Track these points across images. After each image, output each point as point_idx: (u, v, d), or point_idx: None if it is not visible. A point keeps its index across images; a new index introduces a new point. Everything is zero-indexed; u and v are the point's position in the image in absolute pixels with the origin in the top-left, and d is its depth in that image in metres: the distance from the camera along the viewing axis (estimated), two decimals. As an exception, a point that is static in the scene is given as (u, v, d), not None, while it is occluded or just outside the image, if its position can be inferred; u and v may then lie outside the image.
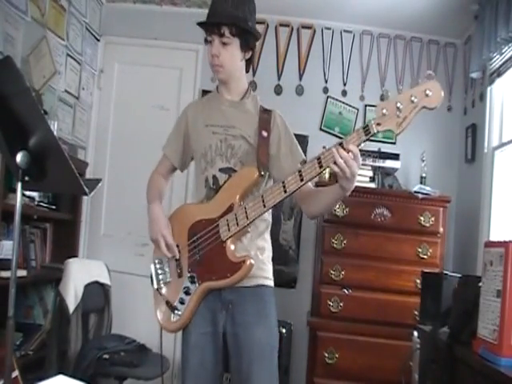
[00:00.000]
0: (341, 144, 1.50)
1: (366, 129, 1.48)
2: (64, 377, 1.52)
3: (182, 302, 1.79)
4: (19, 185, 1.69)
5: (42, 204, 2.97)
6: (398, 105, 1.46)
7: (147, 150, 3.81)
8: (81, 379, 1.50)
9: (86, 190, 1.75)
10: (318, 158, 1.54)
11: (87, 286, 2.88)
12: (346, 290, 3.17)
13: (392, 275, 3.13)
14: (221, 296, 1.78)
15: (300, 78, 3.79)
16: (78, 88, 3.55)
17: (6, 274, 2.33)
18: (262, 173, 1.77)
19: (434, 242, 3.17)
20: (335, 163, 1.49)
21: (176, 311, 1.79)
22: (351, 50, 3.81)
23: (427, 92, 1.44)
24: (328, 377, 3.09)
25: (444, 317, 2.04)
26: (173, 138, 2.01)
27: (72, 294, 2.75)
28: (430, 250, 3.15)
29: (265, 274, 1.83)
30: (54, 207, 3.12)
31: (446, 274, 2.30)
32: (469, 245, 3.28)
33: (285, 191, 1.61)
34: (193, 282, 1.77)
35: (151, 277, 1.88)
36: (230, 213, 1.72)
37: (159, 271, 1.86)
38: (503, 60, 3.02)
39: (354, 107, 3.77)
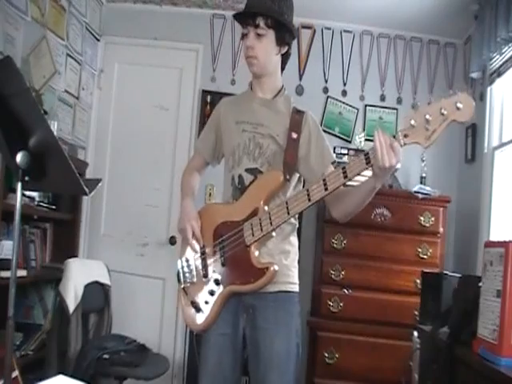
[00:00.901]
0: (366, 155, 1.48)
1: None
2: (64, 377, 1.52)
3: (206, 303, 1.78)
4: (19, 185, 1.69)
5: (42, 204, 2.97)
6: (427, 117, 1.41)
7: (147, 150, 3.85)
8: (81, 379, 1.51)
9: (86, 190, 1.75)
10: (343, 168, 1.52)
11: (87, 286, 2.88)
12: (346, 290, 3.17)
13: (392, 275, 3.13)
14: (242, 299, 1.77)
15: (300, 78, 3.79)
16: (78, 88, 3.55)
17: (5, 274, 2.33)
18: (288, 177, 1.74)
19: (434, 242, 3.17)
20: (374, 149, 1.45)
21: (201, 311, 1.79)
22: (351, 50, 3.81)
23: (458, 105, 1.40)
24: (328, 377, 3.09)
25: (444, 317, 2.04)
26: (205, 133, 2.01)
27: (72, 294, 2.75)
28: (430, 250, 3.15)
29: (289, 279, 1.80)
30: (54, 207, 3.12)
31: (445, 274, 2.30)
32: (469, 245, 3.28)
33: (309, 200, 1.60)
34: (217, 284, 1.77)
35: (178, 275, 1.87)
36: (255, 217, 1.71)
37: (185, 269, 1.85)
38: (503, 60, 3.02)
39: (354, 107, 3.77)
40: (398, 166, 1.48)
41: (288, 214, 1.64)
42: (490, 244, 1.71)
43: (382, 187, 3.54)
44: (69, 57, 3.38)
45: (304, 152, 1.79)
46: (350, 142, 3.70)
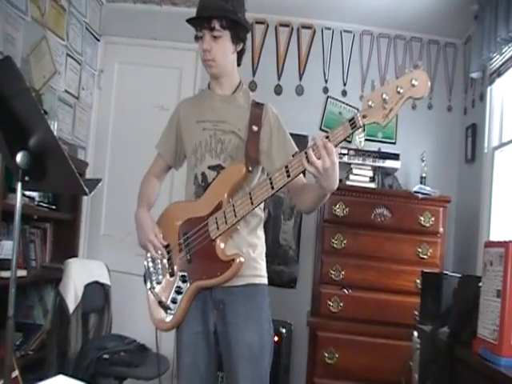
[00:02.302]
0: (327, 137, 1.46)
1: (352, 122, 1.45)
2: (64, 377, 1.51)
3: (174, 302, 1.79)
4: (19, 185, 1.69)
5: (42, 204, 2.97)
6: (384, 96, 1.43)
7: (147, 150, 3.80)
8: (81, 379, 1.50)
9: (86, 190, 1.76)
10: (306, 153, 1.49)
11: (87, 286, 2.88)
12: (346, 290, 3.17)
13: (392, 275, 3.13)
14: (211, 295, 1.78)
15: (300, 78, 3.79)
16: (78, 88, 3.55)
17: (5, 273, 2.33)
18: (250, 168, 1.75)
19: (434, 242, 3.17)
20: (309, 161, 1.44)
21: (169, 310, 1.79)
22: (351, 50, 3.81)
23: (413, 82, 1.42)
24: (328, 377, 3.09)
25: (444, 317, 2.04)
26: (165, 136, 2.02)
27: (72, 294, 2.75)
28: (430, 250, 3.15)
29: (257, 272, 1.81)
30: (54, 207, 3.12)
31: (445, 274, 2.30)
32: (469, 245, 3.28)
33: (272, 187, 1.59)
34: (184, 281, 1.78)
35: (144, 276, 1.89)
36: (219, 211, 1.71)
37: (152, 270, 1.86)
38: (503, 60, 3.01)
39: (353, 107, 3.76)
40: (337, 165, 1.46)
41: (252, 203, 1.64)
42: (490, 244, 1.71)
43: (381, 187, 3.54)
44: (69, 57, 3.38)
45: (266, 146, 1.80)
46: (349, 142, 3.70)
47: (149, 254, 1.88)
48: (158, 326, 1.84)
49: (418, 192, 3.19)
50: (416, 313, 2.77)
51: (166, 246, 1.83)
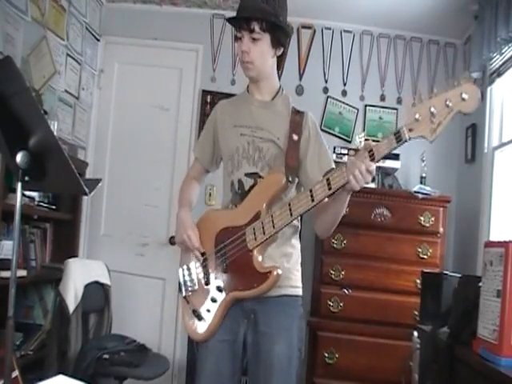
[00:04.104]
0: (370, 151, 1.44)
1: (398, 135, 1.40)
2: (64, 377, 1.52)
3: (208, 311, 1.75)
4: (19, 185, 1.69)
5: (42, 204, 2.97)
6: (432, 109, 1.37)
7: (147, 150, 3.84)
8: (81, 379, 1.50)
9: (86, 190, 1.75)
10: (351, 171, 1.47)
11: (87, 286, 2.88)
12: (346, 290, 3.17)
13: (392, 275, 3.13)
14: (243, 305, 1.74)
15: (300, 78, 3.79)
16: (78, 88, 3.55)
17: (6, 273, 2.33)
18: (290, 179, 1.71)
19: (434, 242, 3.17)
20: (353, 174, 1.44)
21: (203, 320, 1.75)
22: (351, 50, 3.81)
23: (463, 96, 1.35)
24: (328, 377, 3.09)
25: (444, 317, 2.03)
26: (202, 139, 1.97)
27: (72, 294, 2.75)
28: (430, 250, 3.14)
29: (291, 282, 1.77)
30: (54, 207, 3.12)
31: (445, 274, 2.30)
32: (469, 245, 3.28)
33: (312, 200, 1.57)
34: (220, 291, 1.74)
35: (179, 284, 1.84)
36: (257, 221, 1.67)
37: (187, 278, 1.82)
38: (503, 60, 3.02)
39: (354, 107, 3.77)
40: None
41: (291, 215, 1.61)
42: (489, 244, 1.71)
43: (381, 187, 3.54)
44: (69, 57, 3.38)
45: (301, 155, 1.76)
46: (349, 142, 3.71)
47: (184, 266, 1.84)
48: (192, 335, 1.80)
49: (418, 192, 3.19)
50: (416, 313, 2.77)
51: (203, 254, 1.79)
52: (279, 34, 1.75)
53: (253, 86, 1.85)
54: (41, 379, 1.45)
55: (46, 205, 3.03)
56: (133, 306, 3.57)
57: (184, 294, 1.82)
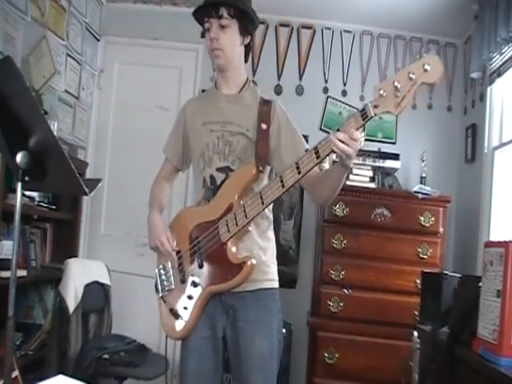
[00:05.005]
0: (338, 130, 1.44)
1: (363, 112, 1.40)
2: (64, 377, 1.52)
3: (185, 308, 1.75)
4: (19, 185, 1.69)
5: (42, 204, 2.97)
6: (396, 84, 1.37)
7: (147, 150, 3.82)
8: (81, 379, 1.50)
9: (86, 190, 1.75)
10: (315, 148, 1.49)
11: (87, 286, 2.88)
12: (346, 290, 3.17)
13: (392, 275, 3.13)
14: (221, 300, 1.74)
15: (300, 78, 3.79)
16: (78, 88, 3.55)
17: (5, 273, 2.33)
18: (261, 168, 1.72)
19: (434, 242, 3.17)
20: (333, 150, 1.43)
21: (180, 318, 1.76)
22: (351, 50, 3.81)
23: (426, 67, 1.35)
24: (328, 377, 3.09)
25: (444, 317, 2.03)
26: (172, 139, 1.98)
27: (72, 294, 2.75)
28: (430, 250, 3.15)
29: (268, 276, 1.78)
30: (54, 207, 3.12)
31: (445, 274, 2.30)
32: (469, 245, 3.28)
33: (283, 186, 1.57)
34: (195, 287, 1.74)
35: (156, 285, 1.85)
36: (230, 213, 1.68)
37: (163, 277, 1.83)
38: (503, 60, 3.02)
39: (354, 107, 3.76)
40: (362, 143, 1.46)
41: (262, 203, 1.61)
42: (490, 244, 1.71)
43: (381, 187, 3.54)
44: (69, 57, 3.38)
45: (274, 144, 1.77)
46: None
47: (160, 266, 1.85)
48: (169, 334, 1.81)
49: (418, 192, 3.19)
50: (416, 313, 2.77)
51: (177, 253, 1.79)
52: (247, 22, 1.78)
53: (221, 79, 1.86)
54: (41, 379, 1.45)
55: (45, 205, 3.02)
56: (133, 306, 3.57)
57: (161, 294, 1.83)
